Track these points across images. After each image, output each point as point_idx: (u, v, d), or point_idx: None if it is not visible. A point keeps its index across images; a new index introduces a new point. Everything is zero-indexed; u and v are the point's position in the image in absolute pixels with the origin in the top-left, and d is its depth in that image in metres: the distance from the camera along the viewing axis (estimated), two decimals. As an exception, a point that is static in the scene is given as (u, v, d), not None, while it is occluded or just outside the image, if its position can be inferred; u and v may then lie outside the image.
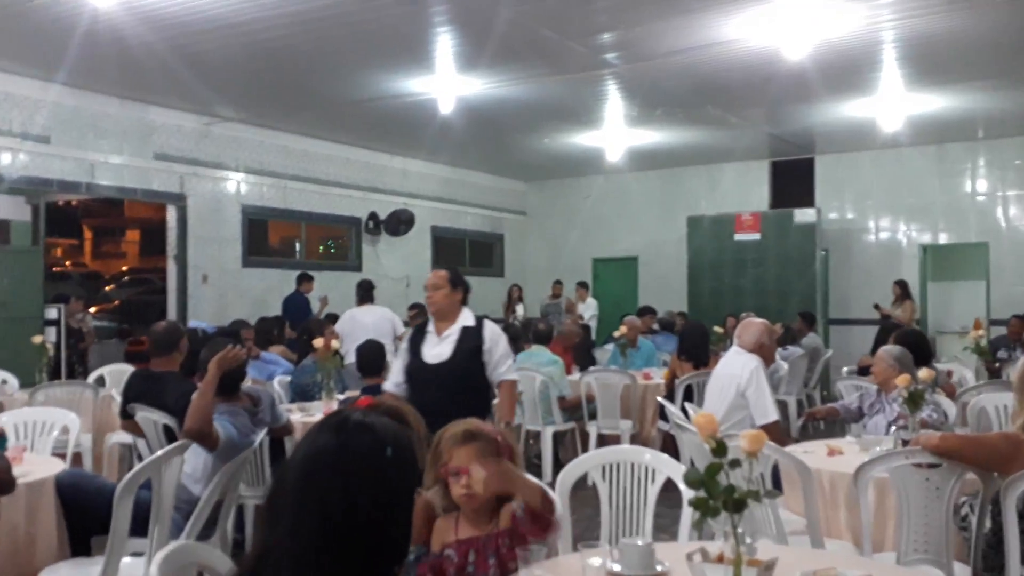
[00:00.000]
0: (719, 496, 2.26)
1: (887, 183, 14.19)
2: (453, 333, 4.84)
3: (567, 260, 16.49)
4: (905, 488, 3.76)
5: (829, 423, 8.49)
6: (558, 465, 7.32)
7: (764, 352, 5.40)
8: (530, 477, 2.85)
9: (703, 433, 2.39)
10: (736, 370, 5.33)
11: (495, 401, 5.07)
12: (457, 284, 4.89)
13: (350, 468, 1.70)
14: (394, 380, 5.09)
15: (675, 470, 3.70)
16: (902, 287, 12.96)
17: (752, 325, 5.52)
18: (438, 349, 4.90)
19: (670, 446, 6.53)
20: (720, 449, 2.30)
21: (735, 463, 2.27)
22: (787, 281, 13.24)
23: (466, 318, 4.92)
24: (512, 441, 2.79)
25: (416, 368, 4.92)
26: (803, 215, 13.33)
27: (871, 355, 6.90)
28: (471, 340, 4.86)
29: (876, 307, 13.19)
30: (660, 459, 3.80)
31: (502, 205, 16.67)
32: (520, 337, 8.75)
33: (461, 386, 4.70)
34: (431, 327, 5.00)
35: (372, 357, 6.09)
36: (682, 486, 3.38)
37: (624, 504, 3.79)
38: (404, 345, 5.27)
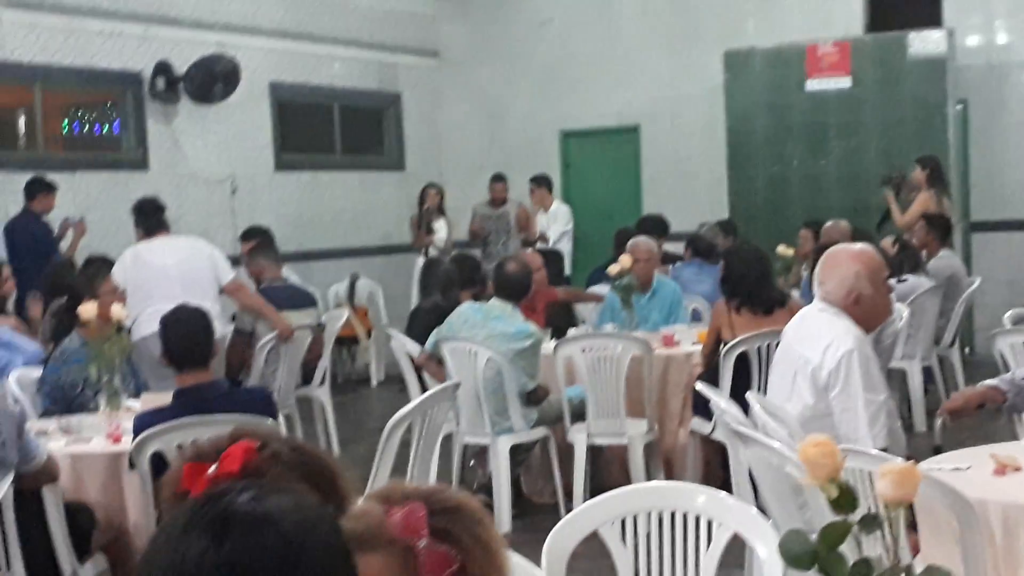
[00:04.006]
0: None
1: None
2: None
3: (515, 137, 13.44)
4: None
5: (987, 412, 5.66)
6: (520, 504, 6.41)
7: (865, 310, 4.22)
8: None
9: (816, 473, 1.89)
10: (813, 351, 4.18)
11: None
12: None
13: None
14: None
15: (750, 524, 2.97)
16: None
17: (840, 258, 4.33)
18: None
19: (714, 461, 6.16)
20: (846, 500, 1.84)
21: (870, 522, 1.81)
22: (900, 159, 10.55)
23: None
24: (464, 529, 1.72)
25: None
26: (924, 42, 10.85)
27: None
28: None
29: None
30: (721, 505, 3.10)
31: (397, 41, 13.36)
32: (454, 282, 7.32)
33: None
34: None
35: (191, 335, 4.47)
36: (762, 552, 2.84)
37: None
38: None
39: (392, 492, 1.72)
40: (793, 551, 1.74)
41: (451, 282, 7.44)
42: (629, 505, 3.14)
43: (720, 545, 3.04)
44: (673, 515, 3.14)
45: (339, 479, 1.68)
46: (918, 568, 1.93)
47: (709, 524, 3.06)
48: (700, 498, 3.12)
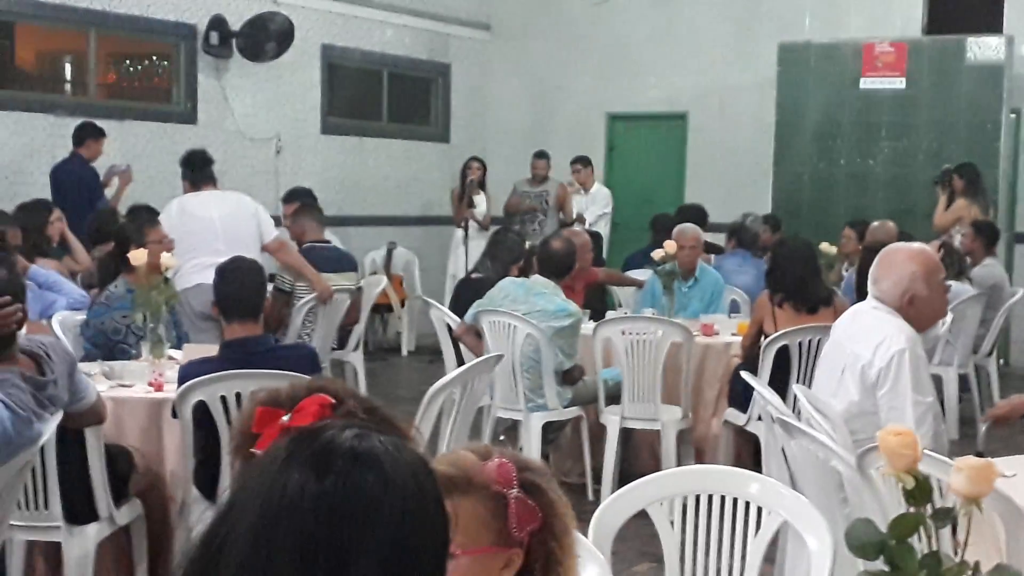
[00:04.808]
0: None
1: None
2: None
3: (561, 116, 12.98)
4: None
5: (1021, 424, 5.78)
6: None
7: (919, 311, 4.09)
8: None
9: (895, 463, 1.75)
10: (864, 348, 4.03)
11: None
12: None
13: (345, 538, 1.22)
14: None
15: (802, 514, 2.86)
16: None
17: (897, 257, 4.17)
18: None
19: (745, 453, 6.13)
20: (922, 492, 1.75)
21: (944, 515, 1.73)
22: (949, 164, 10.30)
23: None
24: (549, 488, 1.76)
25: None
26: (982, 48, 10.58)
27: None
28: None
29: None
30: (774, 492, 2.97)
31: (449, 13, 12.80)
32: (496, 255, 7.26)
33: None
34: None
35: (247, 285, 4.38)
36: (812, 543, 2.74)
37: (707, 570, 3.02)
38: None
39: (479, 447, 1.72)
40: (860, 540, 1.69)
41: (513, 256, 7.37)
42: (681, 486, 3.07)
43: (769, 533, 2.97)
44: (723, 499, 3.07)
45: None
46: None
47: (759, 511, 3.00)
48: (753, 485, 3.04)
